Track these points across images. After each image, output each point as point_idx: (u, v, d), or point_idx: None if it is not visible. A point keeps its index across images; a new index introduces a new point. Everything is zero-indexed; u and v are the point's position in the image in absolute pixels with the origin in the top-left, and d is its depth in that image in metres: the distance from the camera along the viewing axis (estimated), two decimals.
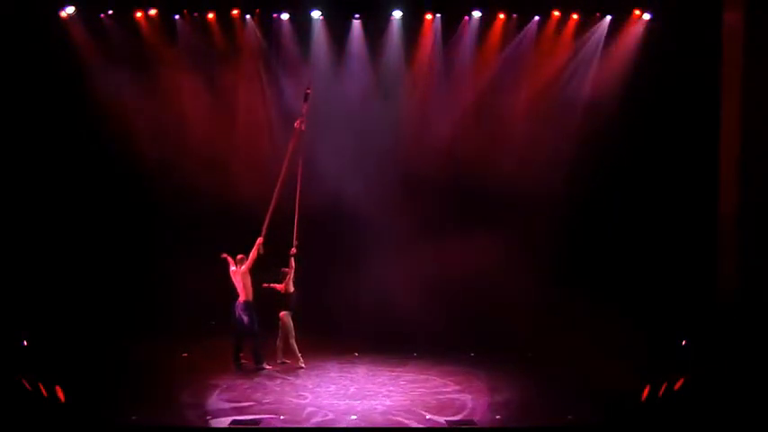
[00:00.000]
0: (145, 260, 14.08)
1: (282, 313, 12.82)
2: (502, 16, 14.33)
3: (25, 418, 9.53)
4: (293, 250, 12.88)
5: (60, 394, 9.87)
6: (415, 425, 10.30)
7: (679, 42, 13.49)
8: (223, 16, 14.24)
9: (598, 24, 14.33)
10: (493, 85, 14.61)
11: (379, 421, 10.33)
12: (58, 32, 13.82)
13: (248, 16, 14.30)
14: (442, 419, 10.43)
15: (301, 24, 14.35)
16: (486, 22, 14.40)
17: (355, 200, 14.04)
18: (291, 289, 12.90)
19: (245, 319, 12.58)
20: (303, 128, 13.07)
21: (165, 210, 14.30)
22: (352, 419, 10.41)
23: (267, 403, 11.04)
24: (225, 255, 12.69)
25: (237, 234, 13.84)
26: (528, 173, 14.11)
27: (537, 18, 14.35)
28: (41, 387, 9.87)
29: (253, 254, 12.68)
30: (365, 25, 14.40)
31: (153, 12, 14.06)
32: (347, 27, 14.42)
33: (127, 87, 14.18)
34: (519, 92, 14.62)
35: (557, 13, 14.25)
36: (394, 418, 10.50)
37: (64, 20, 13.88)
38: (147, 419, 10.10)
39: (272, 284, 12.79)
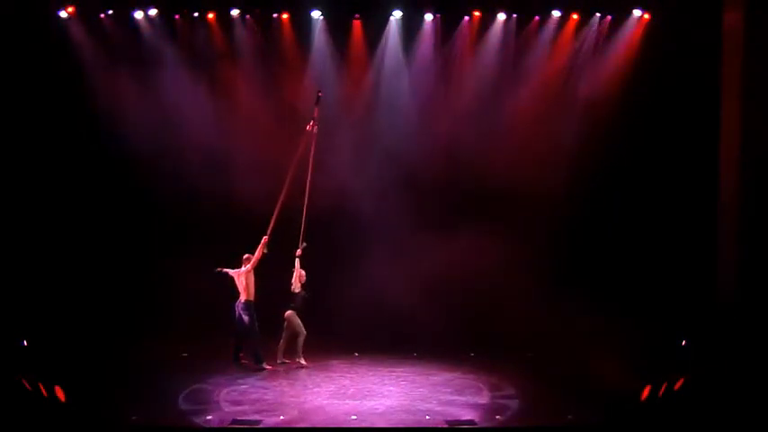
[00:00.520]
0: (145, 260, 14.07)
1: (288, 313, 12.83)
2: (502, 16, 14.33)
3: (25, 418, 9.53)
4: (299, 252, 12.89)
5: (60, 394, 9.87)
6: (414, 425, 10.30)
7: (679, 42, 13.48)
8: (223, 16, 14.23)
9: (598, 24, 14.33)
10: (493, 84, 14.60)
11: (378, 421, 10.33)
12: (57, 32, 13.81)
13: (248, 16, 14.30)
14: (441, 419, 10.43)
15: (301, 24, 14.34)
16: (487, 22, 14.40)
17: (355, 199, 14.04)
18: (297, 288, 12.90)
19: (246, 318, 12.59)
20: (315, 131, 13.07)
21: (165, 210, 14.30)
22: (353, 419, 10.41)
23: (267, 403, 11.04)
24: (222, 269, 12.71)
25: (237, 234, 13.88)
26: (528, 173, 14.09)
27: (537, 18, 14.35)
28: (41, 387, 9.87)
29: (258, 253, 12.69)
30: (365, 25, 14.40)
31: (153, 12, 14.06)
32: (347, 27, 14.42)
33: (127, 87, 14.18)
34: (519, 92, 14.62)
35: (557, 13, 14.26)
36: (394, 418, 10.50)
37: (64, 20, 13.88)
38: (147, 419, 10.10)
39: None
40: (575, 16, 14.28)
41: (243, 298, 12.68)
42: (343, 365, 13.04)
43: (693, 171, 13.70)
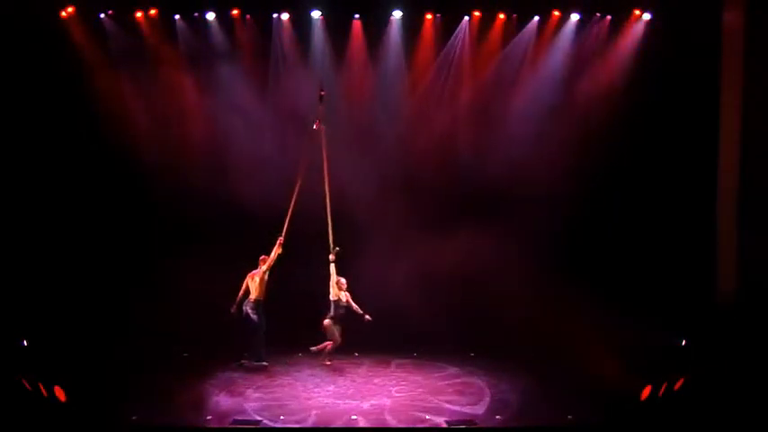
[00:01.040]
0: (145, 260, 14.06)
1: (326, 322, 12.66)
2: (502, 16, 14.33)
3: (25, 418, 9.54)
4: (332, 256, 12.73)
5: (60, 394, 9.87)
6: (414, 425, 10.31)
7: (679, 42, 13.47)
8: (223, 16, 14.23)
9: (598, 24, 14.32)
10: (493, 84, 14.60)
11: (378, 421, 10.34)
12: (58, 32, 13.81)
13: (248, 16, 14.29)
14: (441, 419, 10.44)
15: (301, 24, 14.34)
16: (486, 22, 14.40)
17: (355, 199, 14.03)
18: (336, 296, 12.66)
19: (254, 317, 12.58)
20: (322, 128, 13.04)
21: (165, 210, 14.29)
22: (353, 419, 10.42)
23: (267, 403, 11.05)
24: (234, 308, 12.73)
25: (237, 234, 13.89)
26: (528, 173, 14.10)
27: (537, 18, 14.36)
28: (41, 387, 9.87)
29: (273, 254, 12.71)
30: (365, 25, 14.39)
31: (153, 12, 14.05)
32: (347, 27, 14.42)
33: (127, 87, 14.17)
34: (519, 92, 14.61)
35: (557, 13, 14.26)
36: (394, 418, 10.50)
37: (64, 20, 13.88)
38: (147, 419, 10.11)
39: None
40: (575, 16, 14.27)
41: (253, 297, 12.70)
42: (344, 365, 13.04)
43: (693, 171, 13.69)
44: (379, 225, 14.12)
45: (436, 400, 11.23)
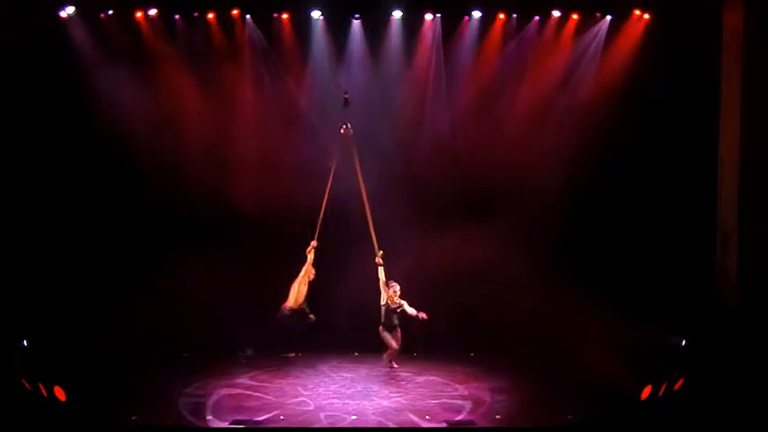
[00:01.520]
0: (145, 260, 14.05)
1: (379, 329, 12.66)
2: (502, 16, 14.32)
3: (25, 418, 9.54)
4: (378, 259, 12.63)
5: (60, 394, 9.87)
6: (414, 425, 10.30)
7: (679, 42, 13.47)
8: (223, 16, 14.23)
9: (598, 24, 14.33)
10: (493, 84, 14.60)
11: (378, 421, 10.34)
12: (58, 32, 13.81)
13: (248, 16, 14.29)
14: (441, 419, 10.44)
15: (301, 24, 14.34)
16: (486, 22, 14.40)
17: (354, 199, 14.01)
18: (387, 301, 12.56)
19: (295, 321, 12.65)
20: (350, 132, 13.00)
21: (165, 210, 14.28)
22: (353, 419, 10.42)
23: (267, 403, 11.05)
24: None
25: (237, 234, 13.89)
26: (528, 173, 14.09)
27: (537, 18, 14.35)
28: (41, 387, 9.87)
29: (310, 259, 12.71)
30: (365, 25, 14.39)
31: (153, 12, 14.05)
32: (347, 27, 14.41)
33: (127, 87, 14.16)
34: (519, 92, 14.60)
35: (557, 13, 14.25)
36: (393, 418, 10.51)
37: (64, 20, 13.87)
38: (147, 419, 10.11)
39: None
40: (575, 16, 14.27)
41: (287, 304, 12.70)
42: (344, 365, 13.04)
43: (693, 170, 13.69)
44: (379, 225, 14.10)
45: (436, 400, 11.23)
